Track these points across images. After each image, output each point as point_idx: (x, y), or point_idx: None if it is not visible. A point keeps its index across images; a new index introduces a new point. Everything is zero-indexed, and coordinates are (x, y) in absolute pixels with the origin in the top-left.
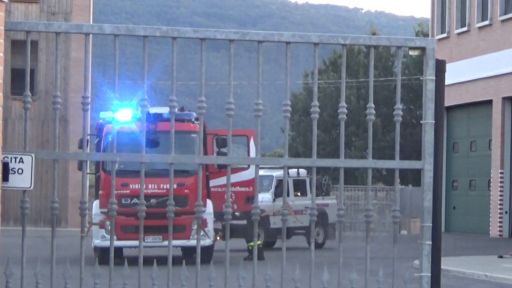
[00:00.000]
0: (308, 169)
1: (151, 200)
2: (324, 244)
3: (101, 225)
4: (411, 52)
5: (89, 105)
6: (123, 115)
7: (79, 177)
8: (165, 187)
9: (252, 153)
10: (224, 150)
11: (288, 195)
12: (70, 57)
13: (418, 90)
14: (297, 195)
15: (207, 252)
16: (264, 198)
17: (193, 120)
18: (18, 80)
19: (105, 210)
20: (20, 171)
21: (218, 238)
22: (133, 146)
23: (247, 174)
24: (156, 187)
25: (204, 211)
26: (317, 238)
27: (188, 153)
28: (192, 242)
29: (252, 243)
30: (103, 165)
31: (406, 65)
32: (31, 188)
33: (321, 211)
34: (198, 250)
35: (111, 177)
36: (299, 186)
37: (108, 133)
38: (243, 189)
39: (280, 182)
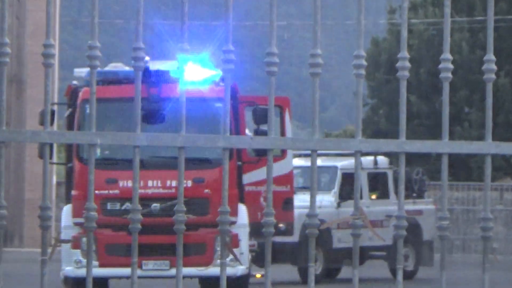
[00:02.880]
0: (393, 156)
1: (153, 206)
2: (417, 273)
3: (75, 244)
4: None
5: (55, 58)
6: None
7: (40, 170)
8: (173, 184)
9: (288, 132)
10: (265, 127)
11: (361, 197)
12: None
13: None
14: (374, 197)
15: (240, 286)
16: (324, 201)
17: (216, 80)
18: None
19: (81, 220)
20: None
21: (258, 275)
22: (125, 122)
23: (283, 166)
24: (160, 184)
25: (235, 223)
26: (405, 264)
27: (210, 131)
28: (214, 271)
29: (260, 275)
30: (78, 151)
31: None
32: None
33: (411, 222)
34: (223, 283)
35: (88, 169)
36: (378, 183)
37: (86, 102)
38: (278, 188)
39: (348, 177)
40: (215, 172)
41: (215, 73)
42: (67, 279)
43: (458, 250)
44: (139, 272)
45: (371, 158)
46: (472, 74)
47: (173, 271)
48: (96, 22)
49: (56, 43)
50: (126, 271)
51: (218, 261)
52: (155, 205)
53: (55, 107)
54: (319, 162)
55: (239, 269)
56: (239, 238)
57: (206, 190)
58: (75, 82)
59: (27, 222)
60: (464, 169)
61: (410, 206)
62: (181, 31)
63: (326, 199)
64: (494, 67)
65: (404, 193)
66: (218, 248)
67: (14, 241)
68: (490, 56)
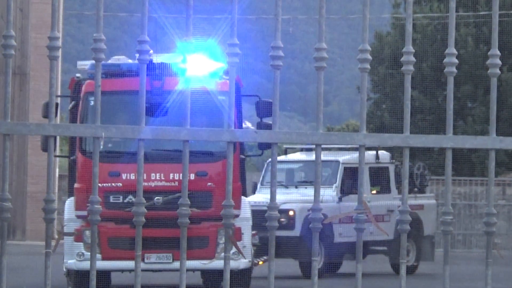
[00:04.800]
0: (395, 151)
1: (156, 199)
2: (417, 268)
3: (78, 237)
4: None
5: (59, 50)
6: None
7: (43, 163)
8: (177, 177)
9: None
10: (269, 120)
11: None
12: None
13: None
14: (375, 192)
15: (242, 279)
16: (325, 196)
17: (221, 74)
18: None
19: (85, 213)
20: None
21: (260, 262)
22: (129, 115)
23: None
24: (163, 177)
25: (238, 216)
26: (406, 259)
27: (214, 124)
28: (217, 264)
29: (261, 261)
30: (82, 144)
31: None
32: None
33: (413, 217)
34: (226, 276)
35: (92, 162)
36: (379, 177)
37: (90, 94)
38: None
39: (349, 172)
40: (218, 165)
41: (221, 65)
42: (69, 272)
43: (460, 245)
44: (142, 265)
45: (372, 152)
46: (476, 69)
47: (176, 264)
48: (101, 15)
49: (60, 36)
50: (129, 264)
51: (223, 254)
52: (158, 198)
53: (58, 100)
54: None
55: (242, 262)
56: (242, 232)
57: (209, 184)
58: (78, 75)
59: (30, 215)
60: (467, 164)
61: (411, 200)
62: (186, 25)
63: (328, 194)
64: (499, 62)
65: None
66: (221, 242)
67: (17, 234)
68: (495, 50)
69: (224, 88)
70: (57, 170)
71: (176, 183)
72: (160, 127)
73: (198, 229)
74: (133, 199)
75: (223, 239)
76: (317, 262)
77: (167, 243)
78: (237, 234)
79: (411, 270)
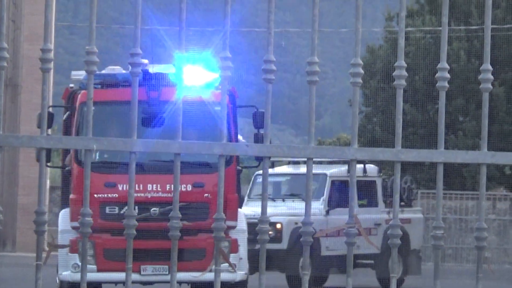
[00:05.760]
0: (384, 164)
1: (152, 210)
2: (404, 282)
3: (73, 248)
4: None
5: (52, 63)
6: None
7: (34, 174)
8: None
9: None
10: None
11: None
12: None
13: None
14: (363, 205)
15: None
16: (313, 209)
17: (216, 84)
18: None
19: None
20: None
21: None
22: (124, 125)
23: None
24: (159, 188)
25: (235, 228)
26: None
27: (209, 135)
28: (211, 276)
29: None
30: (77, 155)
31: None
32: None
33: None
34: None
35: (84, 174)
36: (366, 191)
37: (85, 104)
38: None
39: (336, 185)
40: (216, 176)
41: (216, 76)
42: (62, 284)
43: (450, 259)
44: (138, 277)
45: (360, 166)
46: (468, 83)
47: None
48: (93, 27)
49: (52, 48)
50: (124, 276)
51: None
52: (154, 209)
53: (52, 110)
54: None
55: (238, 275)
56: (238, 244)
57: (206, 195)
58: (72, 85)
59: (20, 227)
60: (458, 178)
61: (398, 214)
62: (179, 37)
63: (315, 207)
64: (491, 76)
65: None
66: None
67: (7, 245)
68: (487, 65)
69: (219, 98)
70: (48, 181)
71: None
72: (152, 140)
73: (194, 241)
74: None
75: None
76: (308, 275)
77: (163, 254)
78: (234, 246)
79: (398, 284)
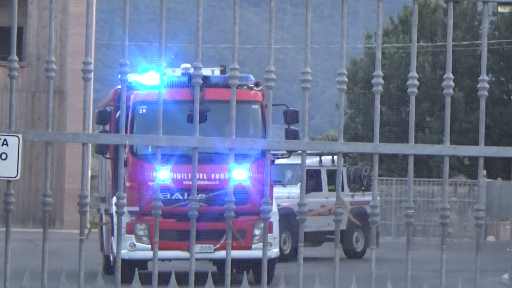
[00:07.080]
0: (366, 156)
1: (199, 196)
2: (365, 253)
3: (129, 229)
4: (500, 9)
5: (92, 73)
6: (151, 78)
7: (78, 165)
8: (218, 177)
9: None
10: (295, 127)
11: (321, 189)
12: (68, 12)
13: (511, 57)
14: (332, 190)
15: (269, 266)
16: (292, 193)
17: (251, 85)
18: (2, 42)
19: (136, 208)
20: (3, 156)
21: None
22: (170, 122)
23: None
24: (205, 177)
25: (270, 211)
26: (356, 246)
27: (246, 131)
28: (254, 253)
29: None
30: (132, 147)
31: (495, 26)
32: (18, 178)
33: (361, 211)
34: (264, 265)
35: (144, 163)
36: (334, 178)
37: (138, 104)
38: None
39: (309, 173)
40: (254, 166)
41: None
42: (114, 261)
43: (420, 234)
44: (187, 254)
45: (329, 157)
46: (433, 89)
47: (216, 254)
48: (126, 44)
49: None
50: (175, 253)
51: (257, 244)
52: (201, 196)
53: (110, 109)
54: (286, 161)
55: (273, 252)
56: (273, 225)
57: (247, 182)
58: (118, 86)
59: (67, 208)
60: (425, 167)
61: (359, 197)
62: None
63: (294, 191)
64: (452, 83)
65: (355, 187)
66: (257, 233)
67: (56, 223)
68: (449, 74)
69: (257, 98)
70: (89, 171)
71: (217, 182)
72: (174, 136)
73: (236, 222)
74: (180, 197)
75: (259, 231)
76: (303, 248)
77: (209, 235)
78: (270, 227)
79: (360, 255)
